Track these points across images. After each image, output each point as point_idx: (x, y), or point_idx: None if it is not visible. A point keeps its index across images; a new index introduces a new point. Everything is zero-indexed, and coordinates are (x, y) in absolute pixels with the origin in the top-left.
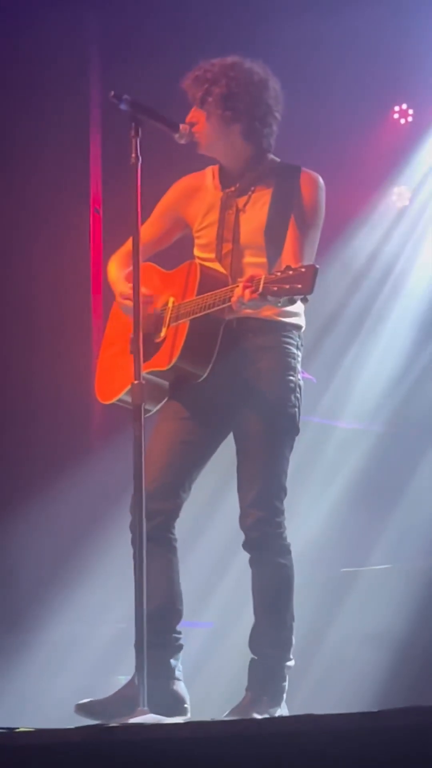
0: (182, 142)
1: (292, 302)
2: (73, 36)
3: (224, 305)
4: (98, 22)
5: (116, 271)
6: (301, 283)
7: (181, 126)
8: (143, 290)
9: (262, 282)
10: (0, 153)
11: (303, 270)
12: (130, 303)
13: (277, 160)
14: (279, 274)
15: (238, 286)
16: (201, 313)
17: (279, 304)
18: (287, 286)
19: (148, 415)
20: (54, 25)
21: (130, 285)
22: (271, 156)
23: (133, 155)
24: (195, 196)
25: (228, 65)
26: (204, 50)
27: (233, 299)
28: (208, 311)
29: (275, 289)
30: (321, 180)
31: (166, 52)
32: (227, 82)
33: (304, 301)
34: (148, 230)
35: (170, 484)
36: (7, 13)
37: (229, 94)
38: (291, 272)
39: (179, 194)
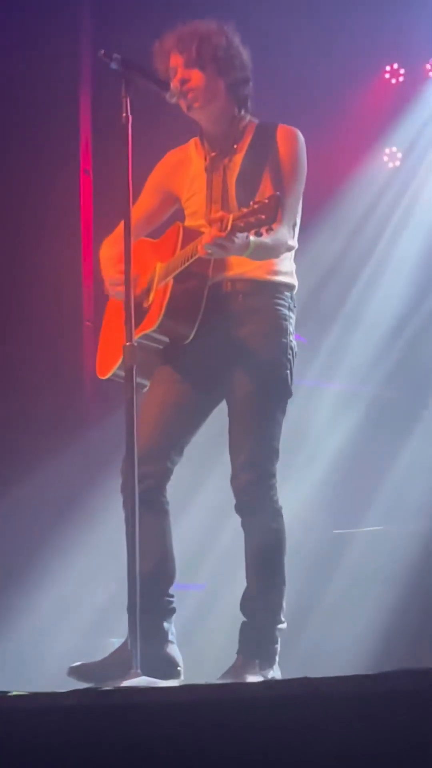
0: (172, 101)
1: (258, 235)
2: None
3: (195, 257)
4: None
5: (107, 253)
6: (265, 213)
7: (172, 85)
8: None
9: (230, 220)
10: None
11: (266, 201)
12: (119, 289)
13: (256, 120)
14: (244, 209)
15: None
16: (181, 268)
17: (245, 242)
18: (253, 219)
19: (143, 390)
20: None
21: (119, 268)
22: (250, 117)
23: (124, 114)
24: (180, 168)
25: (209, 23)
26: (193, 9)
27: (199, 247)
28: (188, 263)
29: (242, 224)
30: (299, 134)
31: (156, 11)
32: (217, 39)
33: (269, 231)
34: (138, 210)
35: (162, 447)
36: None
37: (225, 47)
38: (256, 206)
39: (165, 170)
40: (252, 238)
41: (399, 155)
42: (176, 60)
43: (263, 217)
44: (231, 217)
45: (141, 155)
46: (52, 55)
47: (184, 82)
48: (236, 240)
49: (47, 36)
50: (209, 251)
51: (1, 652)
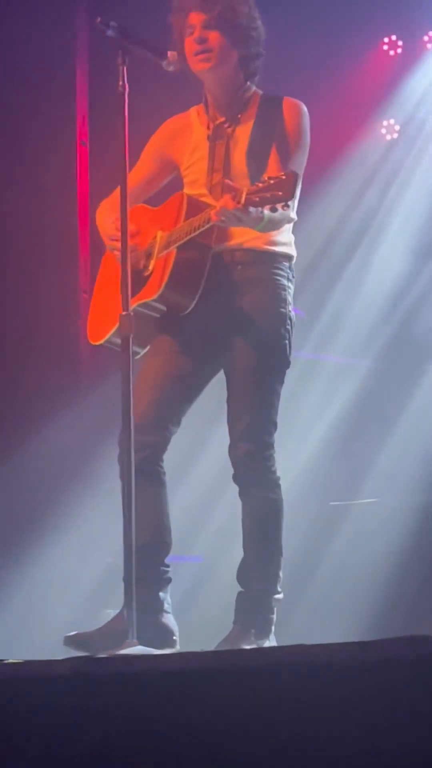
0: (170, 69)
1: (274, 210)
2: None
3: (208, 225)
4: None
5: (104, 218)
6: (282, 190)
7: (170, 53)
8: (129, 226)
9: (244, 194)
10: None
11: (283, 177)
12: (117, 244)
13: (260, 92)
14: (260, 184)
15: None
16: (186, 238)
17: (259, 215)
18: (268, 195)
19: (137, 357)
20: None
21: (117, 225)
22: (255, 89)
23: (120, 83)
24: (181, 136)
25: None
26: None
27: (216, 208)
28: (194, 234)
29: (257, 199)
30: (304, 106)
31: None
32: (241, 8)
33: (285, 208)
34: (136, 175)
35: (159, 417)
36: None
37: (244, 16)
38: (272, 181)
39: (165, 136)
40: (266, 212)
41: (397, 128)
42: (196, 18)
43: (280, 193)
44: (245, 190)
45: (137, 125)
46: (47, 24)
47: (202, 41)
48: (251, 212)
49: (43, 5)
50: (223, 219)
51: None
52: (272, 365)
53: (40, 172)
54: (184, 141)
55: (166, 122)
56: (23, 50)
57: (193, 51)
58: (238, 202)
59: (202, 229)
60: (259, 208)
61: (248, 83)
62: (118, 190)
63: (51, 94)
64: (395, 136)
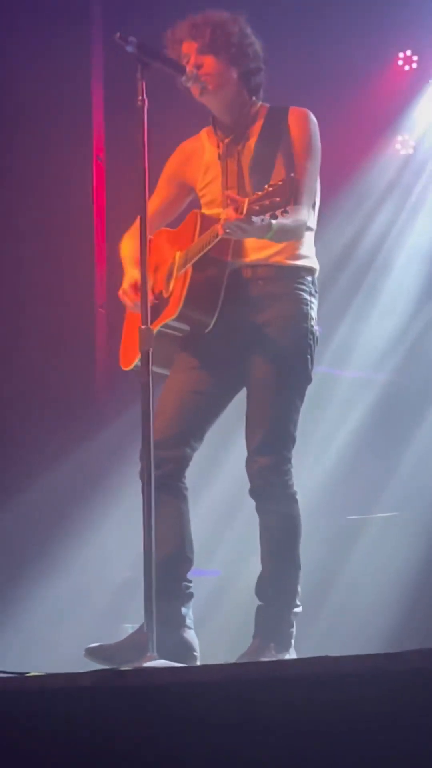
0: (187, 85)
1: (274, 218)
2: None
3: (216, 239)
4: None
5: (127, 252)
6: (279, 196)
7: (188, 68)
8: (149, 260)
9: (246, 203)
10: None
11: (280, 183)
12: (128, 302)
13: (267, 105)
14: (260, 193)
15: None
16: (199, 254)
17: (264, 225)
18: (267, 202)
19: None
20: None
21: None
22: (261, 103)
23: (140, 98)
24: (193, 158)
25: (225, 14)
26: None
27: (220, 223)
28: (206, 250)
29: (257, 207)
30: (311, 114)
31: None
32: (231, 26)
33: (284, 213)
34: (154, 201)
35: (181, 433)
36: None
37: (239, 35)
38: (270, 188)
39: (179, 160)
40: (274, 221)
41: (412, 142)
42: (189, 47)
43: (278, 199)
44: (246, 201)
45: (154, 139)
46: (63, 40)
47: (198, 67)
48: (255, 222)
49: (59, 22)
50: (228, 231)
51: (17, 636)
52: (292, 379)
53: (57, 187)
54: (196, 163)
55: (179, 147)
56: (39, 66)
57: (193, 76)
58: (240, 213)
59: (212, 244)
60: (263, 217)
61: (253, 98)
62: (138, 220)
63: (67, 110)
64: (410, 150)
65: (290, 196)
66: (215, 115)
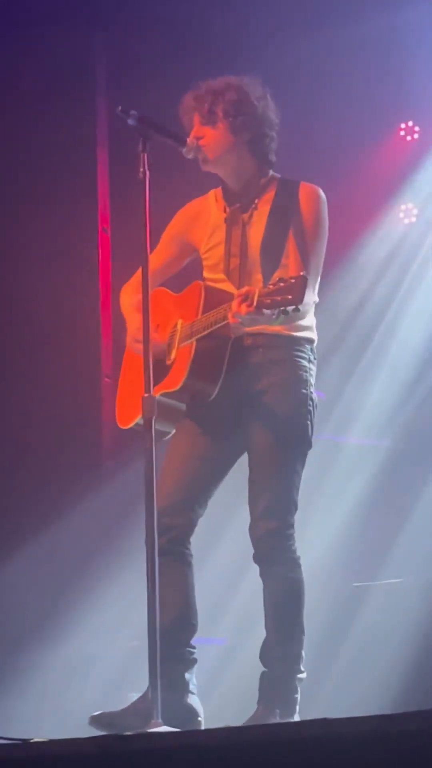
0: (189, 156)
1: (285, 313)
2: (78, 55)
3: (225, 322)
4: (104, 41)
5: (128, 300)
6: (291, 294)
7: (188, 140)
8: (151, 319)
9: (256, 296)
10: (5, 171)
11: (293, 281)
12: (139, 346)
13: (278, 176)
14: (272, 286)
15: (231, 303)
16: (204, 332)
17: (274, 318)
18: (279, 298)
19: (166, 438)
20: (60, 44)
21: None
22: (272, 172)
23: (142, 170)
24: (199, 220)
25: (230, 80)
26: (210, 66)
27: (229, 315)
28: (211, 329)
29: (268, 302)
30: (321, 192)
31: (169, 71)
32: (235, 91)
33: (296, 311)
34: (156, 258)
35: (185, 500)
36: (13, 31)
37: (238, 101)
38: (282, 284)
39: (184, 220)
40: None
41: (415, 211)
42: (194, 117)
43: (289, 297)
44: (257, 292)
45: (158, 210)
46: (68, 111)
47: (198, 138)
48: (265, 313)
49: (65, 92)
50: (239, 321)
51: (22, 704)
52: (293, 445)
53: (62, 258)
54: (202, 224)
55: (186, 206)
56: (45, 138)
57: (194, 148)
58: (250, 305)
59: (219, 325)
60: (272, 311)
61: (262, 166)
62: (138, 273)
63: (72, 182)
64: (413, 219)
65: (302, 296)
66: (222, 181)
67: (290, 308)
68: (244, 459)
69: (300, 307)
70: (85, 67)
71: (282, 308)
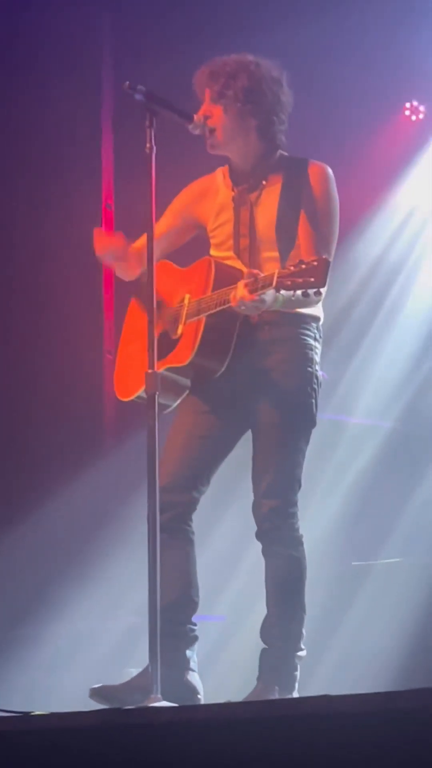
0: (196, 132)
1: (306, 296)
2: (85, 31)
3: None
4: (110, 18)
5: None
6: (314, 276)
7: (195, 116)
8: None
9: (275, 277)
10: (10, 148)
11: (315, 263)
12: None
13: (285, 154)
14: (292, 268)
15: (236, 287)
16: (215, 310)
17: (280, 297)
18: (300, 280)
19: (167, 411)
20: (66, 21)
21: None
22: (280, 151)
23: (148, 145)
24: (206, 197)
25: (247, 61)
26: (216, 46)
27: (233, 300)
28: (223, 307)
29: (289, 283)
30: (330, 170)
31: (176, 49)
32: (248, 76)
33: (317, 294)
34: (159, 230)
35: (187, 477)
36: (20, 11)
37: (249, 88)
38: (303, 266)
39: (191, 196)
40: (283, 292)
41: (419, 190)
42: (207, 93)
43: (312, 280)
44: (276, 273)
45: (162, 187)
46: (74, 88)
47: (206, 117)
48: (266, 299)
49: (69, 71)
50: (242, 308)
51: (22, 678)
52: (297, 423)
53: (65, 235)
54: (209, 202)
55: (192, 183)
56: (49, 114)
57: (201, 125)
58: (253, 291)
59: (226, 306)
60: (291, 292)
61: (270, 148)
62: (140, 239)
63: (76, 158)
64: (417, 199)
65: (326, 279)
66: (230, 161)
67: (312, 291)
68: (246, 436)
69: (322, 291)
70: (91, 44)
71: (303, 290)
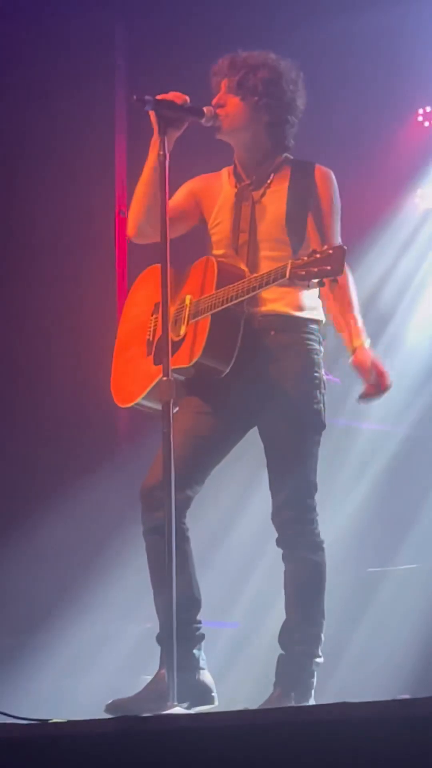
0: (208, 125)
1: (321, 284)
2: (98, 39)
3: (246, 296)
4: (123, 27)
5: None
6: (331, 265)
7: (205, 109)
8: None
9: (289, 267)
10: (25, 156)
11: (330, 252)
12: None
13: (291, 156)
14: (305, 258)
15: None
16: (222, 307)
17: (309, 287)
18: (315, 269)
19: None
20: (79, 30)
21: None
22: (286, 154)
23: (161, 153)
24: (211, 191)
25: (269, 57)
26: (228, 53)
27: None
28: (230, 304)
29: (303, 273)
30: (333, 175)
31: (189, 57)
32: (269, 71)
33: (334, 282)
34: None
35: (182, 476)
36: (34, 20)
37: (267, 83)
38: (318, 255)
39: (199, 185)
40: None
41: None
42: (223, 83)
43: (328, 268)
44: (290, 263)
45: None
46: (87, 95)
47: (219, 106)
48: (296, 284)
49: (82, 79)
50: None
51: (36, 686)
52: (308, 430)
53: (80, 242)
54: (213, 197)
55: (200, 176)
56: (63, 121)
57: (212, 114)
58: (281, 275)
59: (238, 300)
60: (306, 281)
61: (277, 149)
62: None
63: (91, 165)
64: (430, 205)
65: (342, 266)
66: (235, 154)
67: (328, 280)
68: (251, 438)
69: (339, 280)
70: (104, 52)
71: (319, 279)
